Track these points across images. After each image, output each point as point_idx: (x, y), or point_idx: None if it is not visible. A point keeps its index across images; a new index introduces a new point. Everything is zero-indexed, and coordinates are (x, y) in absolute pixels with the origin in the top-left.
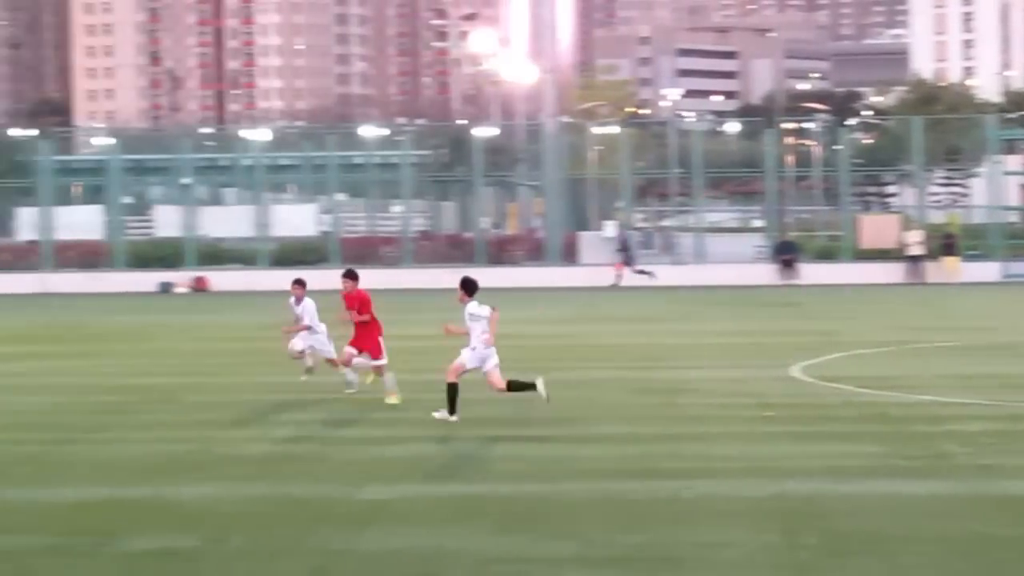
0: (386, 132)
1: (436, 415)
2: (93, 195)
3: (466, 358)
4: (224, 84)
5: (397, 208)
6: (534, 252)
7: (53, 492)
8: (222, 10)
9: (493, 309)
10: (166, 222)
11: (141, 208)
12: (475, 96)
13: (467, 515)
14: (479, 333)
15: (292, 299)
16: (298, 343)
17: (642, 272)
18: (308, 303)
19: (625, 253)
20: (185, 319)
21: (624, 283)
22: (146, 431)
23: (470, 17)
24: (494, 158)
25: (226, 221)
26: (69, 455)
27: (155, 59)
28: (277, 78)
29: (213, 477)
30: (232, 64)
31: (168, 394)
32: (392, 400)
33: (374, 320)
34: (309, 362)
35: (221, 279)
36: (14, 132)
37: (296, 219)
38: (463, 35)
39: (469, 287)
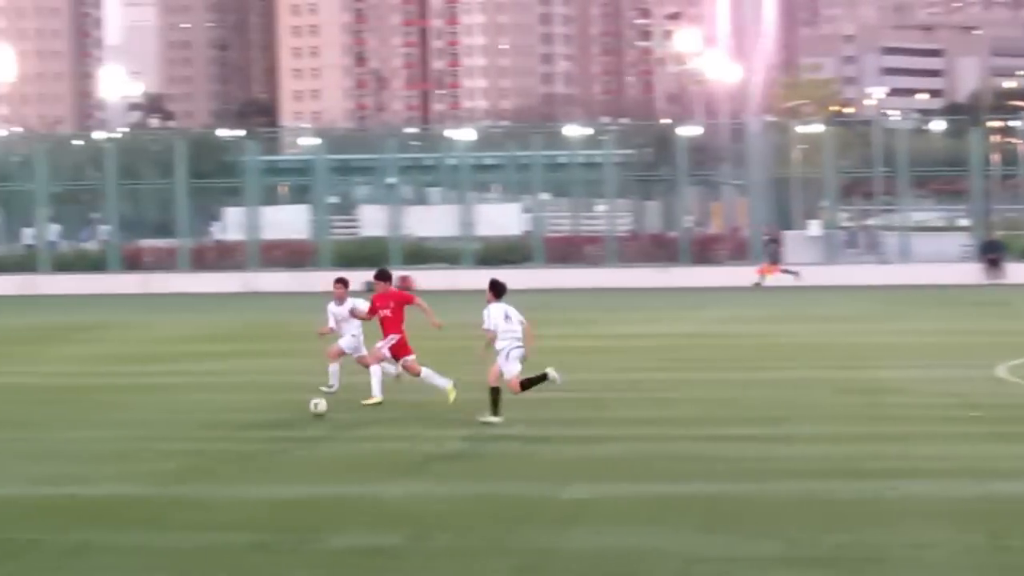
0: (590, 131)
1: (481, 418)
2: (299, 195)
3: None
4: (429, 84)
5: (601, 207)
6: (738, 251)
7: (260, 489)
8: (427, 10)
9: (493, 331)
10: (371, 221)
11: (346, 208)
12: (679, 95)
13: (671, 514)
14: (505, 334)
15: (333, 300)
16: (343, 342)
17: (787, 271)
18: (351, 303)
19: (772, 253)
20: None
21: (768, 284)
22: (351, 430)
23: (674, 16)
24: (698, 157)
25: (431, 220)
26: (276, 453)
27: (361, 60)
28: (482, 78)
29: (418, 475)
30: (437, 64)
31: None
32: (370, 401)
33: (397, 319)
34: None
35: (426, 278)
36: (222, 133)
37: (500, 218)
38: (667, 34)
39: (497, 289)
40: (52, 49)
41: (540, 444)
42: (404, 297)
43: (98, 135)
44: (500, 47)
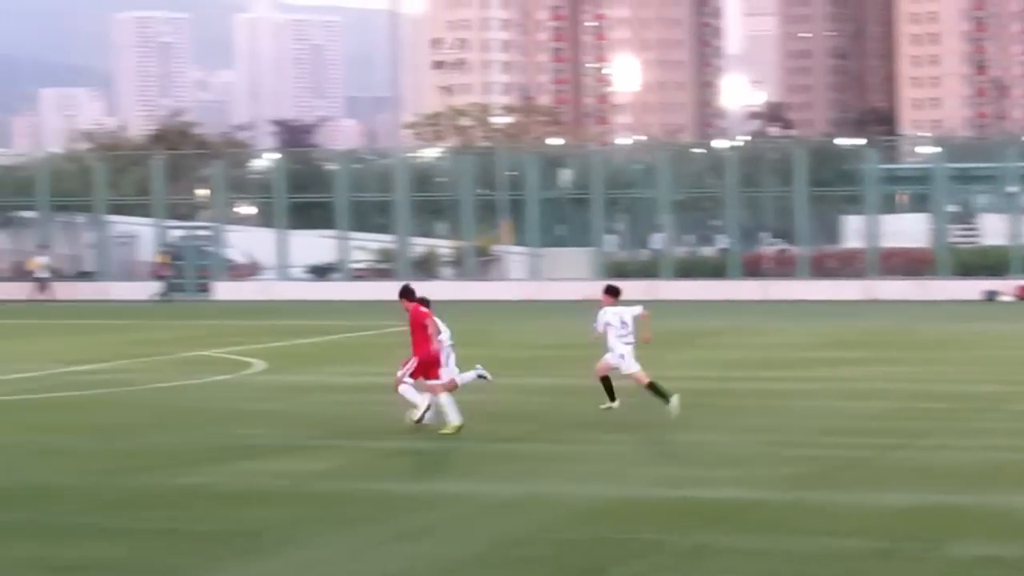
0: None
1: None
2: (918, 203)
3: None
4: None
5: None
6: None
7: (880, 496)
8: None
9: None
10: (992, 230)
11: (966, 216)
12: None
13: None
14: (617, 336)
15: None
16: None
17: None
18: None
19: None
20: (1010, 327)
21: None
22: (972, 438)
23: None
24: None
25: None
26: (897, 460)
27: (981, 68)
28: None
29: None
30: None
31: (994, 402)
32: (446, 429)
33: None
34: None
35: None
36: (841, 141)
37: None
38: None
39: (614, 292)
40: (674, 59)
41: None
42: (417, 317)
43: (718, 143)
44: None
